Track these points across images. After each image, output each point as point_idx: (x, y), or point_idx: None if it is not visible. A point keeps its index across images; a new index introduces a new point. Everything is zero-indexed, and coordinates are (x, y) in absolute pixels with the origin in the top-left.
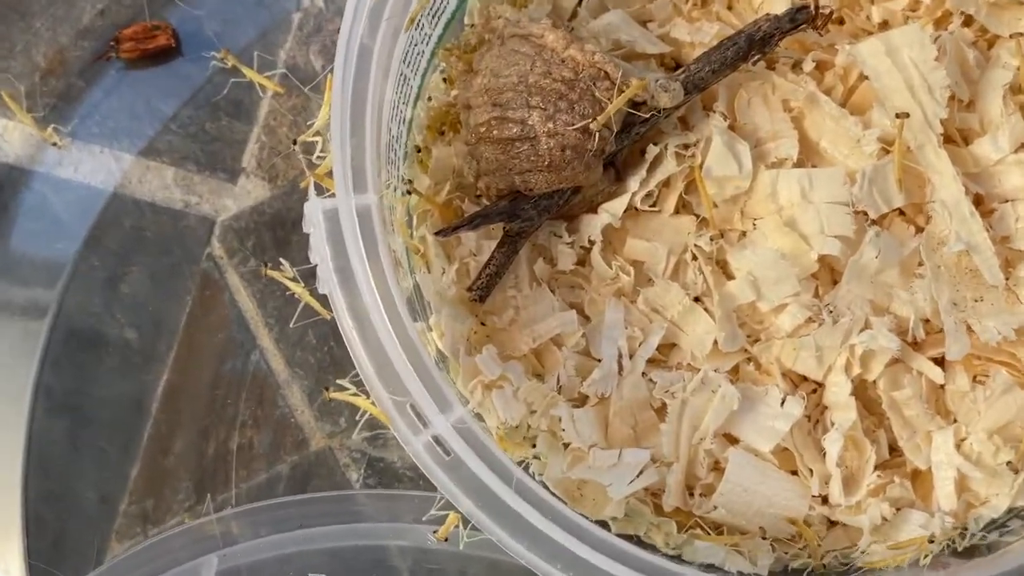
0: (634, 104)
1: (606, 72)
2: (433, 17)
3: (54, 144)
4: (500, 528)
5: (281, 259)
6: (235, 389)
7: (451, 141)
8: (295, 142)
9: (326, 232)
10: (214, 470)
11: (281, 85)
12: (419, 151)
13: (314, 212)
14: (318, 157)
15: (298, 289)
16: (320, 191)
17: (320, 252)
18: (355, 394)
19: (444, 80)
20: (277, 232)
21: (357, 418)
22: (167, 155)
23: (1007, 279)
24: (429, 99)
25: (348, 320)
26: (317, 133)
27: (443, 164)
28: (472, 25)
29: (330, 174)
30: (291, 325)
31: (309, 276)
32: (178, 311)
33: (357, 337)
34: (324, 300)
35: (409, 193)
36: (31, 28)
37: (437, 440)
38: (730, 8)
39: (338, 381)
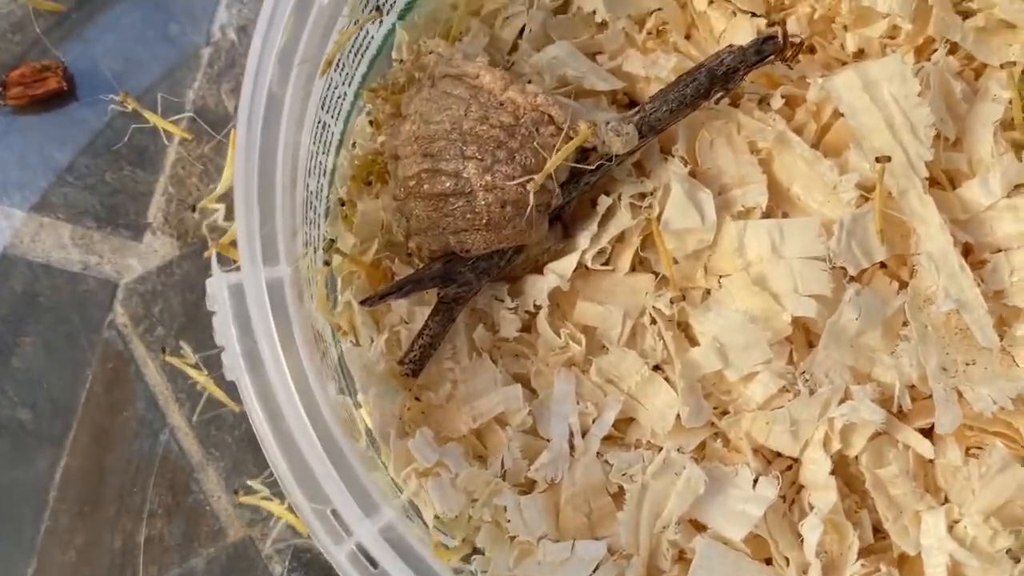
0: (583, 151)
1: (550, 116)
2: (355, 54)
3: None
4: None
5: (182, 342)
6: (143, 474)
7: (379, 193)
8: (194, 208)
9: (232, 311)
10: (121, 566)
11: (189, 130)
12: (343, 204)
13: (218, 289)
14: (225, 220)
15: (200, 378)
16: (226, 263)
17: (225, 334)
18: (267, 497)
19: (370, 123)
20: (187, 296)
21: None
22: (63, 210)
23: (1002, 340)
24: (353, 145)
25: (259, 413)
26: (220, 199)
27: (370, 219)
28: (400, 60)
29: (235, 244)
30: (194, 418)
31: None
32: (77, 387)
33: (270, 433)
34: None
35: (327, 264)
36: None
37: (361, 549)
38: (688, 38)
39: (249, 482)
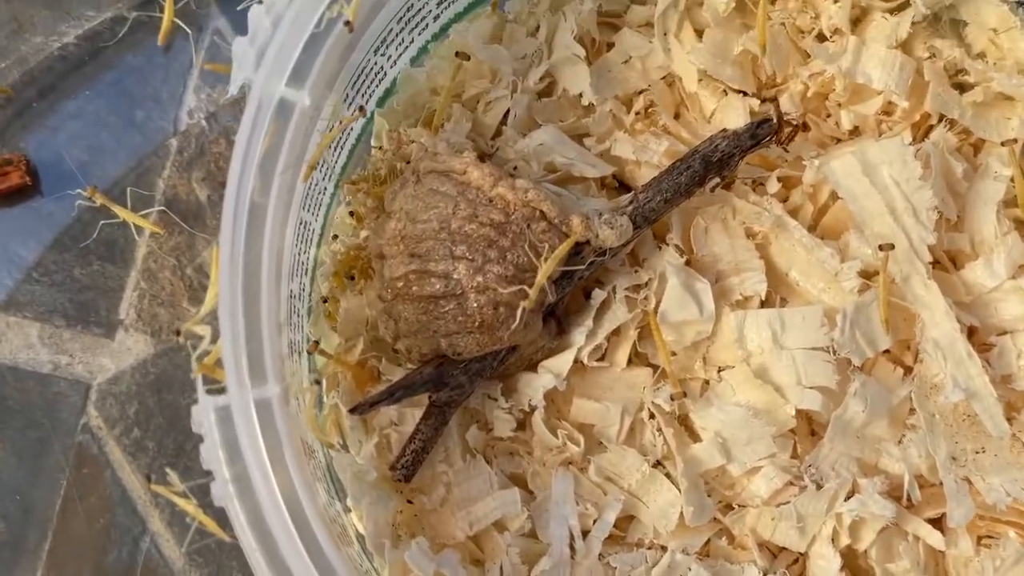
0: (576, 245)
1: (542, 211)
2: (335, 147)
3: None
4: None
5: (168, 468)
6: None
7: (362, 289)
8: (179, 332)
9: (219, 437)
10: None
11: (160, 223)
12: (325, 302)
13: (204, 415)
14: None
15: (189, 508)
16: (210, 380)
17: (213, 461)
18: None
19: (351, 215)
20: (164, 395)
21: None
22: (30, 308)
23: (1011, 426)
24: (335, 238)
25: (252, 543)
26: (205, 319)
27: (354, 317)
28: (380, 148)
29: (220, 362)
30: (182, 549)
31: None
32: (51, 494)
33: (263, 561)
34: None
35: (317, 383)
36: None
37: None
38: (678, 118)
39: None
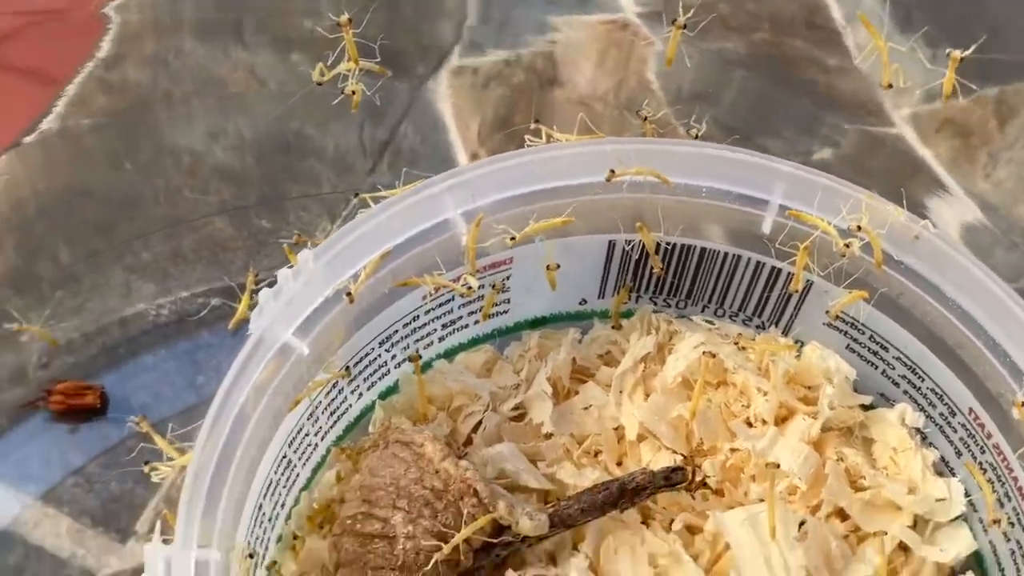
0: (499, 527)
1: (475, 489)
2: (332, 415)
3: None
4: None
5: None
6: None
7: (327, 535)
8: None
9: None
10: None
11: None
12: (295, 538)
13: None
14: None
15: None
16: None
17: None
18: None
19: (337, 477)
20: None
21: None
22: (67, 506)
23: None
24: (315, 493)
25: None
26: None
27: (314, 555)
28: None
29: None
30: None
31: None
32: None
33: None
34: None
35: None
36: None
37: None
38: (620, 464)
39: None
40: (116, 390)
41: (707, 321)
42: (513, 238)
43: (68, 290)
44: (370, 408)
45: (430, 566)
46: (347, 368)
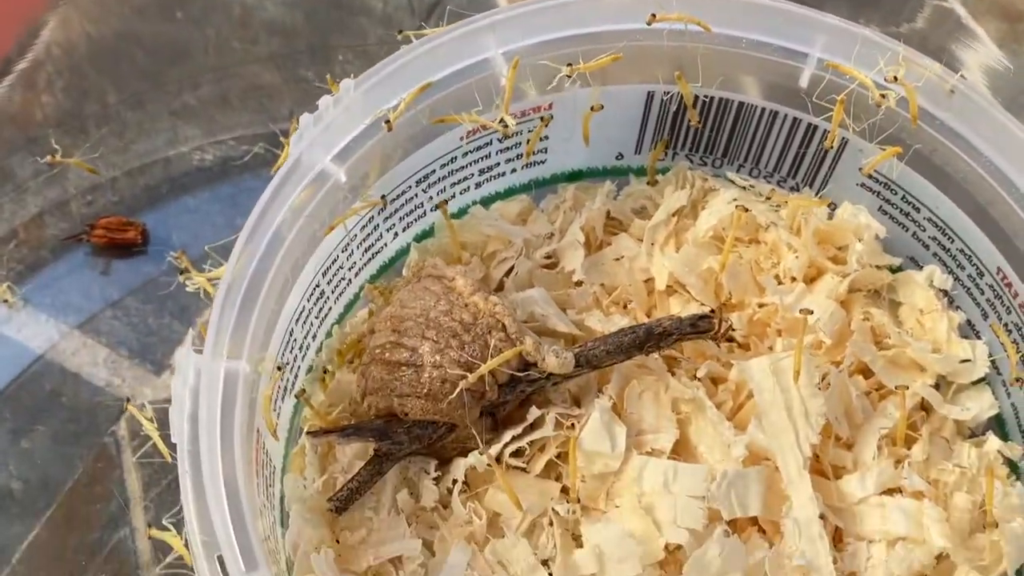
0: (525, 363)
1: (504, 324)
2: (366, 252)
3: (5, 301)
4: None
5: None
6: (96, 559)
7: (356, 368)
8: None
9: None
10: None
11: None
12: (325, 372)
13: (186, 365)
14: None
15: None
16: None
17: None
18: None
19: (369, 313)
20: None
21: None
22: (105, 337)
23: None
24: (347, 327)
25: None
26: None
27: (343, 387)
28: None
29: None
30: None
31: None
32: (66, 474)
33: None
34: None
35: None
36: (21, 199)
37: None
38: (648, 315)
39: None
40: (157, 229)
41: (742, 179)
42: (568, 73)
43: (113, 130)
44: (405, 251)
45: (455, 394)
46: (383, 197)
